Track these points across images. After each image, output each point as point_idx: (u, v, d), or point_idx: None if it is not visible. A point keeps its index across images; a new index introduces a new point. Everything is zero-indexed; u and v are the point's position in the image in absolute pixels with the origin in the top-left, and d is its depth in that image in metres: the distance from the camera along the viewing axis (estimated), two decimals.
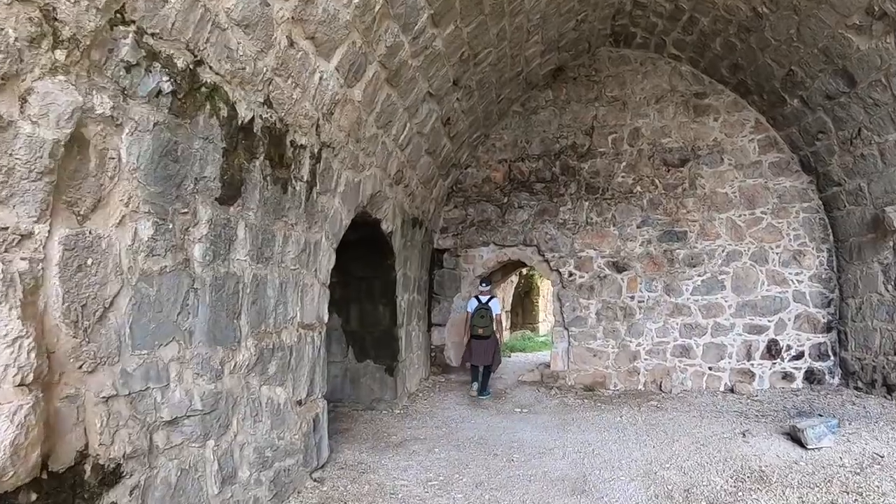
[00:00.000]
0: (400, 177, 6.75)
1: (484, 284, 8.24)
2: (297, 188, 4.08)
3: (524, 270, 14.88)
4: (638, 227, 8.76)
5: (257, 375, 3.59)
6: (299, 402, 4.15)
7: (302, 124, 4.06)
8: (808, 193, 8.54)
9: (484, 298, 7.97)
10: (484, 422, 6.63)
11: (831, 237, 8.45)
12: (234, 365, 3.33)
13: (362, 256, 6.91)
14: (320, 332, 4.54)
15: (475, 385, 7.78)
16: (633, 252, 8.74)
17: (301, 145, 4.10)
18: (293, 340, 4.02)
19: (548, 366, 9.27)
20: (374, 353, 7.22)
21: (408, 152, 6.69)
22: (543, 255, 9.04)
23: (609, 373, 8.66)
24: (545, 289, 16.13)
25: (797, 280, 8.47)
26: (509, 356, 11.80)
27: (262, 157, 3.62)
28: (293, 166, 4.02)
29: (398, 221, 7.00)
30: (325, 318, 4.66)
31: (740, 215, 8.64)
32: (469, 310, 7.98)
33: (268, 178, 3.70)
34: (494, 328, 7.87)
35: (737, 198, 8.68)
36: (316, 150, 4.33)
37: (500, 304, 8.69)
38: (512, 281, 13.68)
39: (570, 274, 8.87)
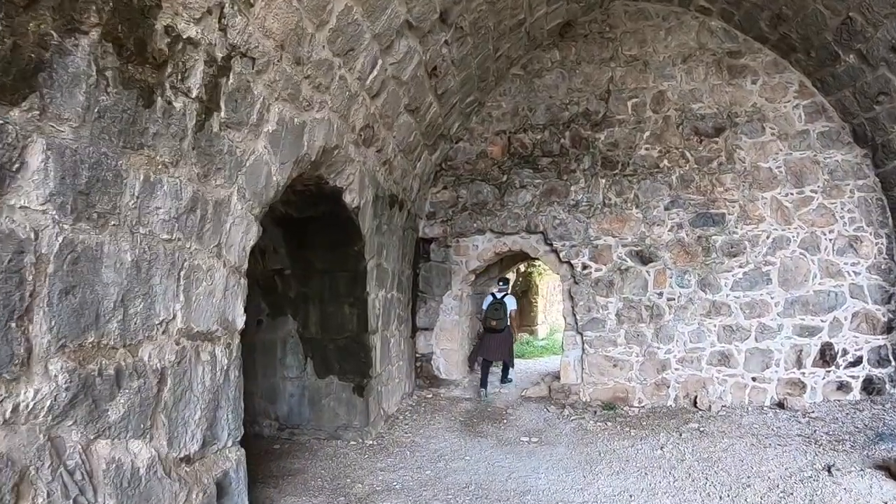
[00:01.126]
0: (370, 135, 5.15)
1: (501, 283, 8.27)
2: (179, 107, 2.46)
3: (522, 267, 13.30)
4: (666, 209, 7.22)
5: (79, 425, 1.96)
6: (186, 460, 2.53)
7: (189, 3, 2.45)
8: (863, 169, 7.07)
9: (500, 295, 7.87)
10: (482, 457, 5.02)
11: (890, 221, 6.99)
12: (12, 409, 1.71)
13: (323, 241, 5.31)
14: (228, 345, 2.93)
15: (483, 392, 7.48)
16: (661, 239, 7.19)
17: (188, 39, 2.49)
18: (167, 359, 2.40)
19: (556, 377, 7.69)
20: (340, 366, 5.60)
21: (380, 103, 5.09)
22: (551, 245, 7.47)
23: (632, 386, 7.09)
24: (545, 287, 14.57)
25: (854, 271, 6.98)
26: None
27: (96, 34, 2.01)
28: (170, 69, 2.41)
29: (368, 195, 5.40)
30: (240, 324, 3.04)
31: (787, 194, 7.14)
32: (485, 306, 7.94)
33: (108, 73, 2.09)
34: (508, 323, 7.79)
35: (782, 173, 7.17)
36: (219, 56, 2.72)
37: (515, 302, 8.32)
38: (509, 279, 12.10)
39: (585, 267, 7.30)
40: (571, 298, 7.29)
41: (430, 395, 7.58)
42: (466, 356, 8.37)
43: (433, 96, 6.38)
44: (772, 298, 7.01)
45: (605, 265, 7.24)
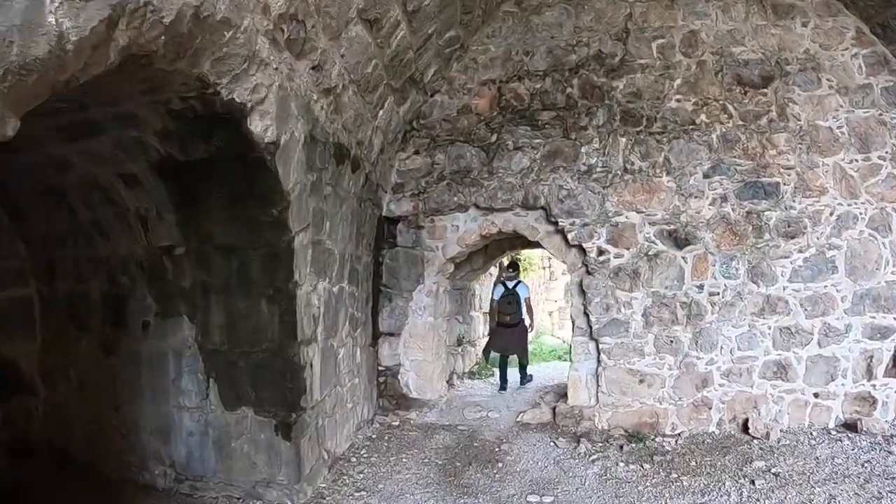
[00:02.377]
0: (300, 36, 3.28)
1: (510, 269, 7.33)
2: None
3: (504, 259, 11.52)
4: (706, 177, 5.56)
5: None
6: None
7: None
8: None
9: (511, 284, 7.02)
10: None
11: None
12: None
13: (221, 199, 3.41)
14: None
15: (503, 394, 6.78)
16: (700, 215, 5.52)
17: None
18: None
19: (560, 395, 5.95)
20: (256, 393, 3.70)
21: None
22: (556, 223, 5.72)
23: (664, 409, 5.39)
24: (531, 283, 12.83)
25: None
26: (491, 373, 8.42)
27: None
28: None
29: (297, 131, 3.51)
30: None
31: (851, 161, 5.56)
32: (496, 297, 7.13)
33: None
34: (524, 315, 7.01)
35: (844, 135, 5.59)
36: None
37: (528, 288, 7.31)
38: (491, 273, 10.34)
39: (601, 252, 5.57)
40: (583, 294, 5.54)
41: (396, 422, 5.73)
42: (443, 369, 6.55)
43: (401, 11, 4.55)
44: (838, 291, 5.41)
45: (627, 249, 5.52)
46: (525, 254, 12.12)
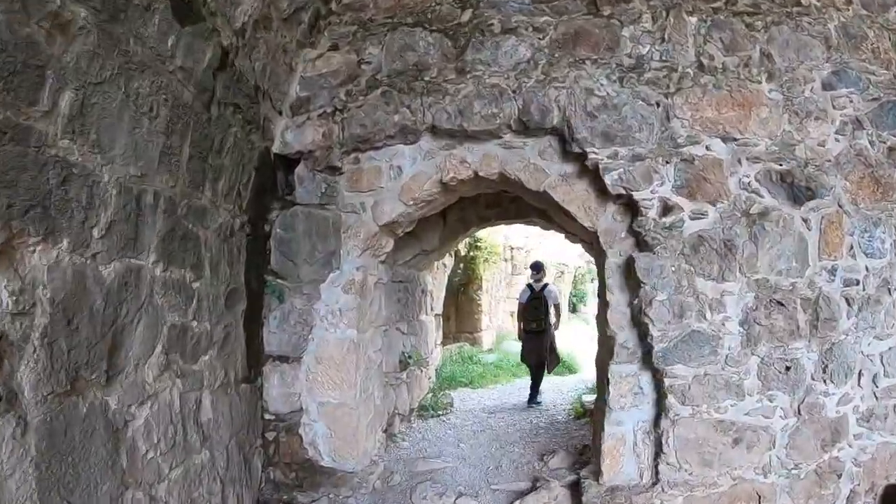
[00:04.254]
0: None
1: (535, 271, 6.37)
2: None
3: (462, 248, 9.03)
4: (827, 88, 3.22)
5: None
6: None
7: None
8: None
9: (537, 287, 6.12)
10: None
11: None
12: None
13: None
14: None
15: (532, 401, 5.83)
16: (825, 149, 3.18)
17: None
18: None
19: (581, 460, 3.48)
20: None
21: None
22: (582, 155, 3.17)
23: (770, 485, 3.03)
24: (490, 279, 10.39)
25: None
26: (451, 402, 5.84)
27: None
28: None
29: None
30: None
31: None
32: (522, 301, 6.26)
33: None
34: (552, 321, 6.11)
35: None
36: None
37: (559, 293, 6.76)
38: (445, 265, 7.80)
39: (667, 208, 3.08)
40: (634, 285, 3.05)
41: None
42: (376, 415, 3.89)
43: None
44: None
45: (711, 204, 3.08)
46: (486, 239, 9.68)
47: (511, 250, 11.55)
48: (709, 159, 3.08)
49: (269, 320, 3.59)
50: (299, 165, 3.63)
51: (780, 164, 3.08)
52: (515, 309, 12.65)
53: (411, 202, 3.38)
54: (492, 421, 5.06)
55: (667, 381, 3.02)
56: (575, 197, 3.16)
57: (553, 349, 6.09)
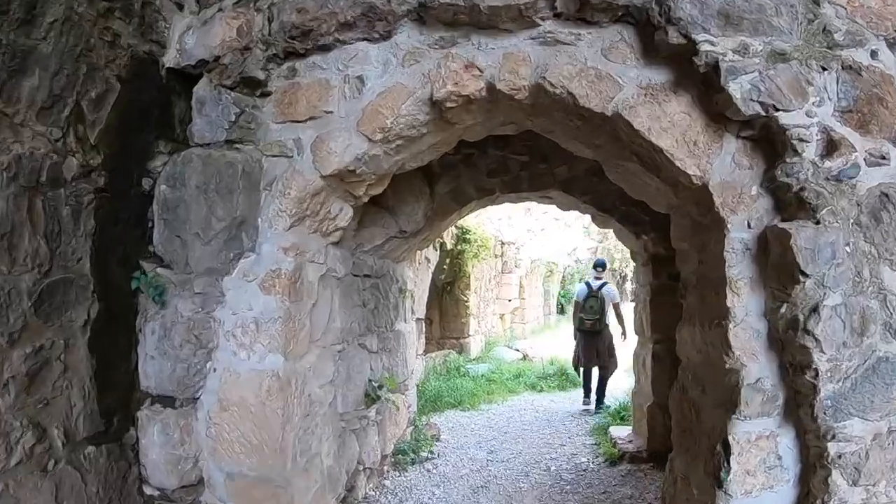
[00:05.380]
0: None
1: (599, 269, 6.01)
2: None
3: (448, 240, 7.65)
4: None
5: None
6: None
7: None
8: None
9: (596, 284, 5.74)
10: None
11: None
12: None
13: None
14: None
15: (587, 401, 5.63)
16: None
17: None
18: None
19: None
20: None
21: None
22: (688, 45, 1.79)
23: None
24: (479, 277, 9.02)
25: None
26: (437, 435, 4.46)
27: None
28: None
29: None
30: None
31: None
32: (579, 298, 5.89)
33: None
34: (608, 322, 5.68)
35: None
36: None
37: (617, 292, 6.26)
38: (429, 259, 6.41)
39: (830, 145, 1.74)
40: (788, 276, 1.69)
41: None
42: (321, 490, 2.46)
43: None
44: None
45: (893, 143, 1.77)
46: (475, 231, 8.32)
47: (502, 245, 10.21)
48: (878, 69, 1.76)
49: (146, 336, 2.17)
50: (200, 82, 2.22)
51: None
52: (504, 311, 11.48)
53: (378, 136, 1.98)
54: (494, 468, 3.69)
55: (832, 448, 1.68)
56: (669, 124, 1.80)
57: (612, 352, 5.61)
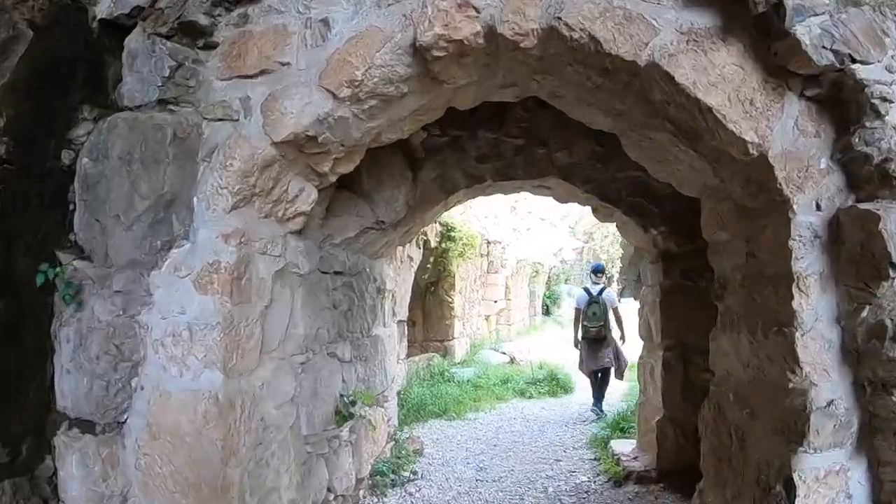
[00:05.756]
0: None
1: (597, 274, 5.99)
2: None
3: (432, 237, 7.27)
4: None
5: None
6: None
7: None
8: None
9: (595, 290, 5.67)
10: None
11: None
12: None
13: None
14: None
15: (596, 408, 5.39)
16: None
17: None
18: None
19: None
20: None
21: None
22: None
23: None
24: (464, 277, 8.64)
25: None
26: (420, 449, 4.06)
27: None
28: None
29: None
30: None
31: None
32: (580, 305, 5.71)
33: None
34: (611, 326, 5.58)
35: None
36: None
37: (615, 296, 6.09)
38: (411, 258, 6.01)
39: None
40: (874, 271, 1.33)
41: None
42: None
43: None
44: None
45: None
46: (460, 228, 7.93)
47: (488, 244, 9.84)
48: None
49: (61, 344, 1.73)
50: (133, 32, 1.79)
51: None
52: (490, 313, 11.10)
53: (346, 91, 1.57)
54: (484, 490, 3.29)
55: None
56: (718, 78, 1.43)
57: (619, 355, 5.52)
